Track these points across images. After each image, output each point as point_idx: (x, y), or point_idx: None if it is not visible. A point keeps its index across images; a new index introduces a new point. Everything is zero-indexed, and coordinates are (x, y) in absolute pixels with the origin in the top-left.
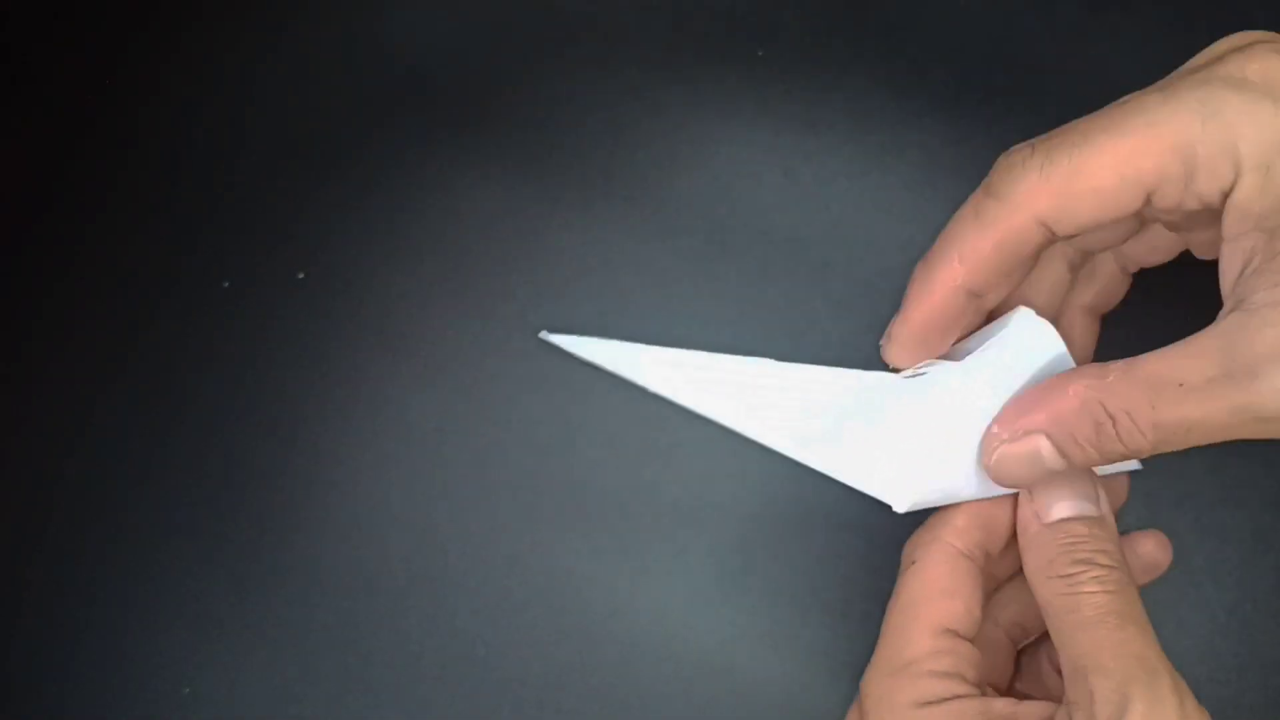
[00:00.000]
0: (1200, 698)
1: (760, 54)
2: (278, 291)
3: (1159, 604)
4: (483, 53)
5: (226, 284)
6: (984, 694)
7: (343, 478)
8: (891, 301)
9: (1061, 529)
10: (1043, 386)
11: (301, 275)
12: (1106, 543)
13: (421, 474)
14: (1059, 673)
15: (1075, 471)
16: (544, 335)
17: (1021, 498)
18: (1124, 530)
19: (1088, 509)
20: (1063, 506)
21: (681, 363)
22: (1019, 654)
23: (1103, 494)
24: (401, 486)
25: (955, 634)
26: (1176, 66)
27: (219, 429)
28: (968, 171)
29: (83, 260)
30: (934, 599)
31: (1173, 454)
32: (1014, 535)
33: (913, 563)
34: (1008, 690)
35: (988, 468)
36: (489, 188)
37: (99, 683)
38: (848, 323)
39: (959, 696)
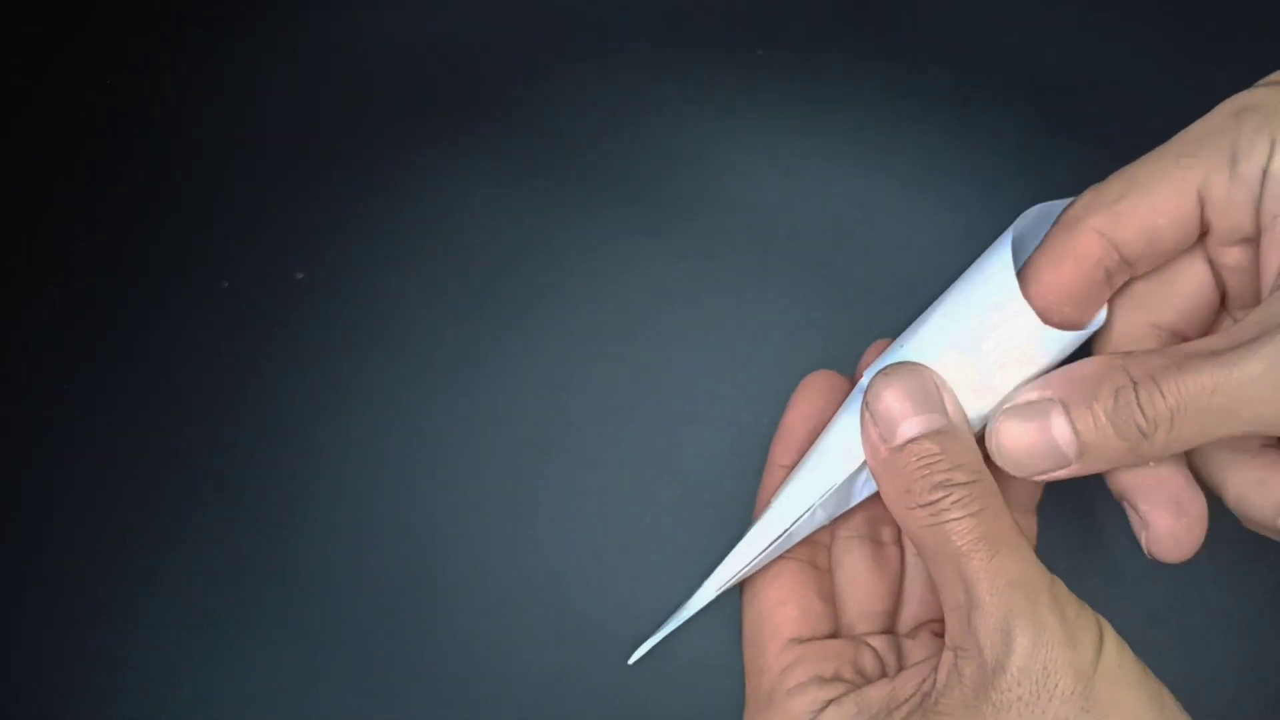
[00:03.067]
0: (1200, 698)
1: (760, 54)
2: (277, 291)
3: (1160, 604)
4: (483, 52)
5: (226, 284)
6: (854, 685)
7: (343, 478)
8: (890, 301)
9: (911, 451)
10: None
11: (301, 275)
12: (963, 454)
13: (421, 474)
14: None
15: (916, 375)
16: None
17: (863, 421)
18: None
19: (936, 421)
20: (910, 424)
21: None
22: None
23: (948, 396)
24: (402, 486)
25: (801, 640)
26: (1176, 66)
27: (218, 429)
28: (968, 171)
29: (82, 261)
30: (766, 619)
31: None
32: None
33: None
34: None
35: (991, 450)
36: (489, 188)
37: (99, 683)
38: (847, 323)
39: (829, 702)
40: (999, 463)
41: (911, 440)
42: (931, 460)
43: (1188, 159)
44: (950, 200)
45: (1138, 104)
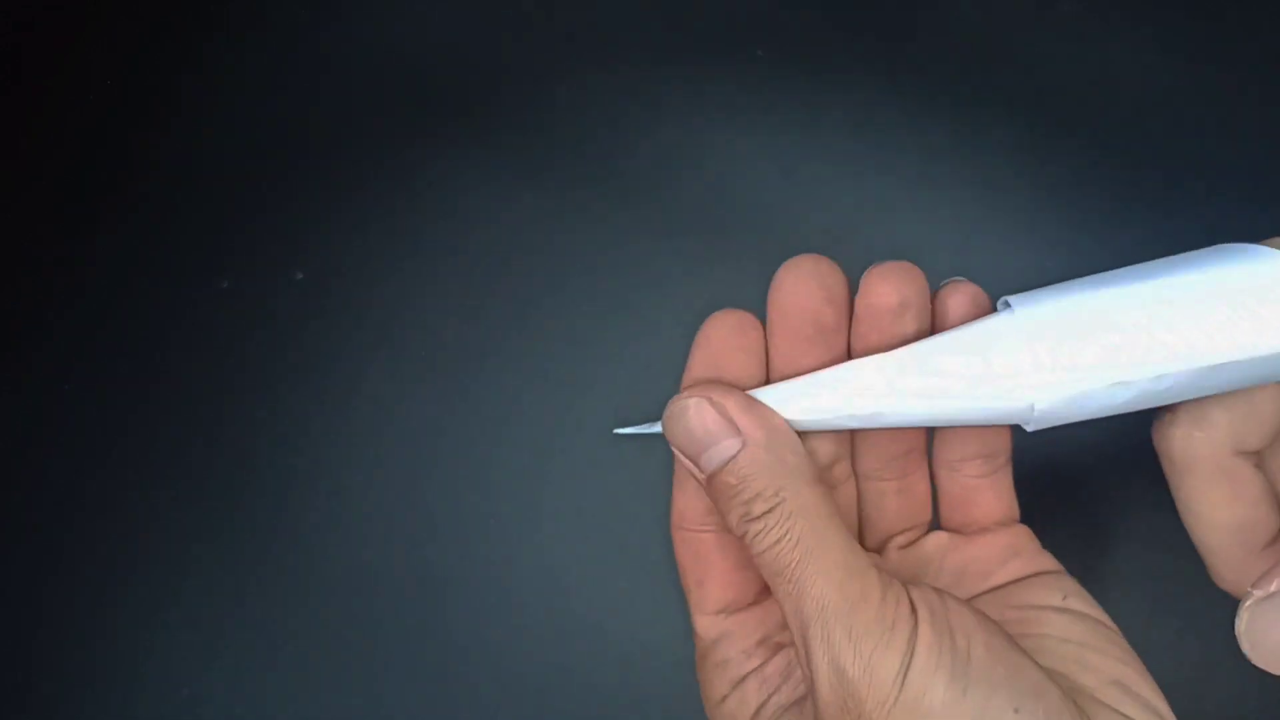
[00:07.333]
0: (1201, 698)
1: (760, 54)
2: (277, 291)
3: (1161, 605)
4: (483, 53)
5: (226, 284)
6: (761, 660)
7: (343, 478)
8: None
9: (715, 485)
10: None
11: (300, 275)
12: (759, 478)
13: (421, 474)
14: None
15: (699, 406)
16: (618, 431)
17: (676, 458)
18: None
19: (725, 450)
20: (708, 457)
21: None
22: None
23: (745, 410)
24: (402, 486)
25: (725, 612)
26: (1175, 66)
27: (218, 428)
28: (968, 171)
29: (82, 260)
30: (691, 594)
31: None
32: None
33: None
34: None
35: (1240, 633)
36: (489, 187)
37: (99, 683)
38: None
39: (741, 679)
40: (1252, 657)
41: (710, 475)
42: (731, 493)
43: None
44: (950, 200)
45: (1138, 104)
